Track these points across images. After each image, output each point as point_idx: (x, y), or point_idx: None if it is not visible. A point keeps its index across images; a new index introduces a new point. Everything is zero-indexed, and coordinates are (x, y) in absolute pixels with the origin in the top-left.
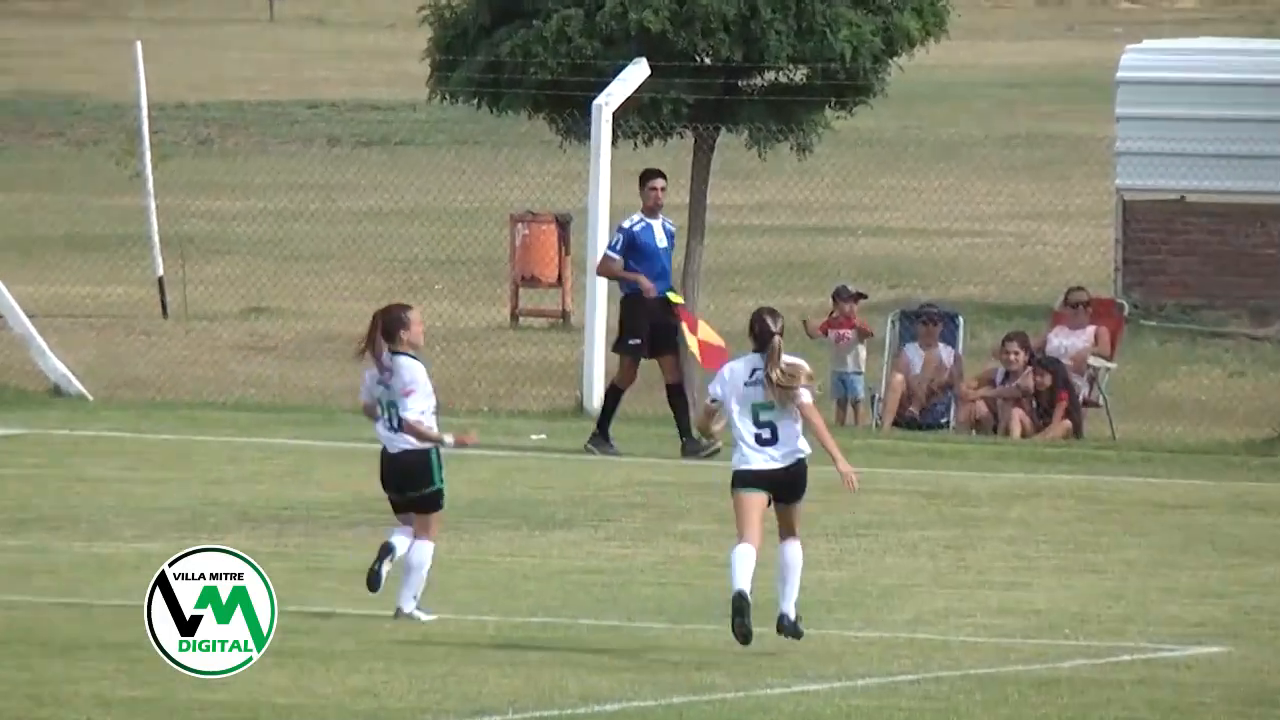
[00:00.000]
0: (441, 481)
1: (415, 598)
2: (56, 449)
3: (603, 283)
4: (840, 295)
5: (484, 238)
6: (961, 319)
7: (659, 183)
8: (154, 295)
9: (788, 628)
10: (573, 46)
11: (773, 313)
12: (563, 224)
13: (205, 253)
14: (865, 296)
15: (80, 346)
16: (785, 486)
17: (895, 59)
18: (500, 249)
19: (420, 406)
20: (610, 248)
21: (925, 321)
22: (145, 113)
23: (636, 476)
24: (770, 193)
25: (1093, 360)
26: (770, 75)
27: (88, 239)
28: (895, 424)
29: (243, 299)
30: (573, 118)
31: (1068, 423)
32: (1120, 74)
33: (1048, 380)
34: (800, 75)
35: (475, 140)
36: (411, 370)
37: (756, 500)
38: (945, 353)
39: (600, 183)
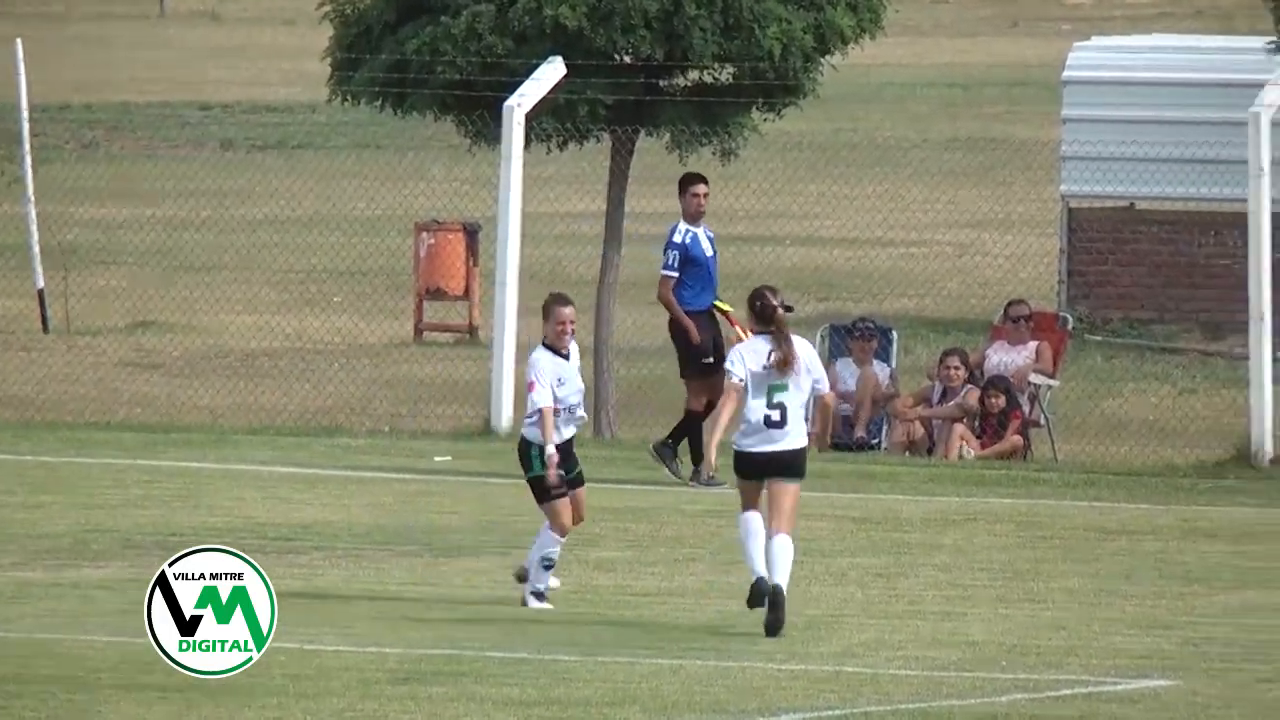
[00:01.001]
0: (535, 470)
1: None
2: None
3: (513, 295)
4: None
5: (387, 247)
6: (896, 334)
7: (702, 188)
8: (34, 309)
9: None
10: (483, 44)
11: (772, 290)
12: (471, 233)
13: (89, 263)
14: (792, 309)
15: None
16: (785, 466)
17: (827, 58)
18: (404, 259)
19: (538, 401)
20: (666, 267)
21: (859, 337)
22: (25, 114)
23: None
24: None
25: (1034, 378)
26: (694, 75)
27: None
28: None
29: (129, 313)
30: (482, 120)
31: (1018, 438)
32: (1067, 73)
33: (1002, 402)
34: (726, 75)
35: (378, 144)
36: (533, 366)
37: (756, 488)
38: (881, 370)
39: (511, 189)
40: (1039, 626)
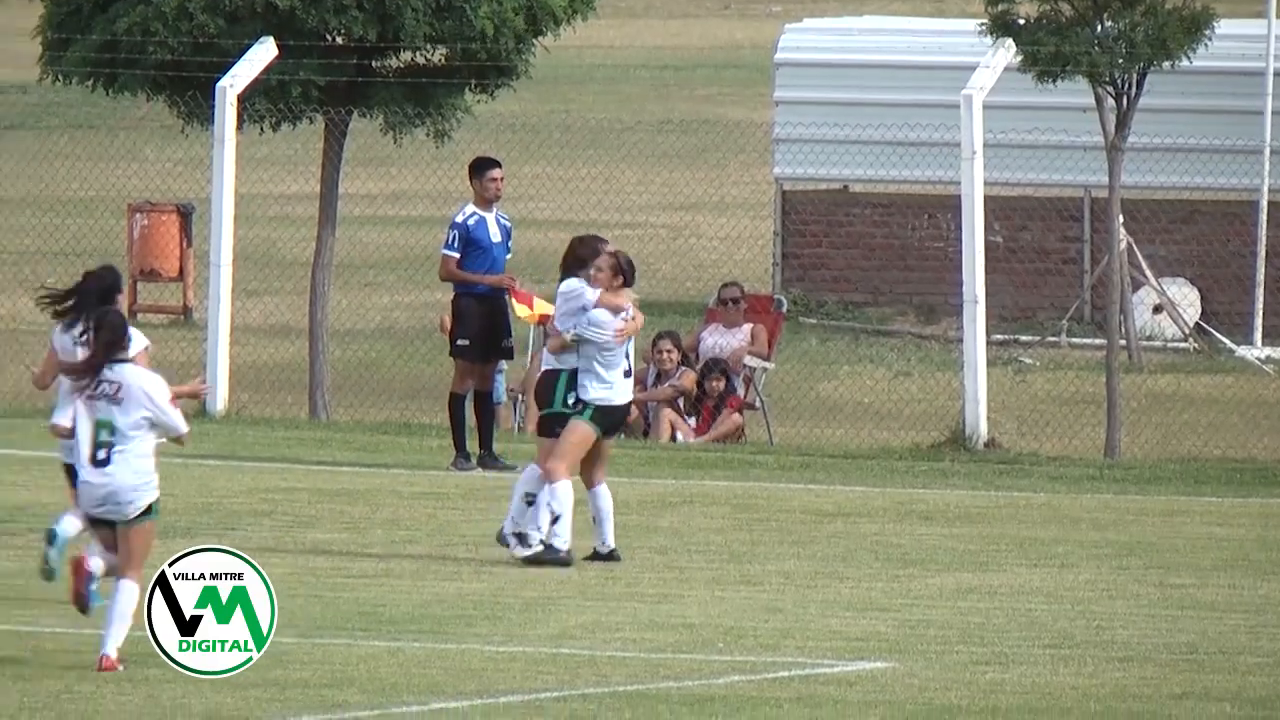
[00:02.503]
0: (555, 406)
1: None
2: None
3: (227, 277)
4: None
5: (100, 229)
6: None
7: (498, 173)
8: None
9: (615, 556)
10: (195, 24)
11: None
12: (184, 214)
13: None
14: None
15: None
16: (623, 421)
17: (540, 38)
18: (117, 241)
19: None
20: (447, 246)
21: None
22: None
23: (264, 483)
24: (406, 181)
25: (749, 360)
26: (406, 55)
27: None
28: None
29: None
30: (195, 100)
31: (738, 417)
32: (778, 55)
33: (722, 384)
34: (439, 55)
35: (90, 124)
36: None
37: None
38: None
39: (224, 170)
40: (756, 609)
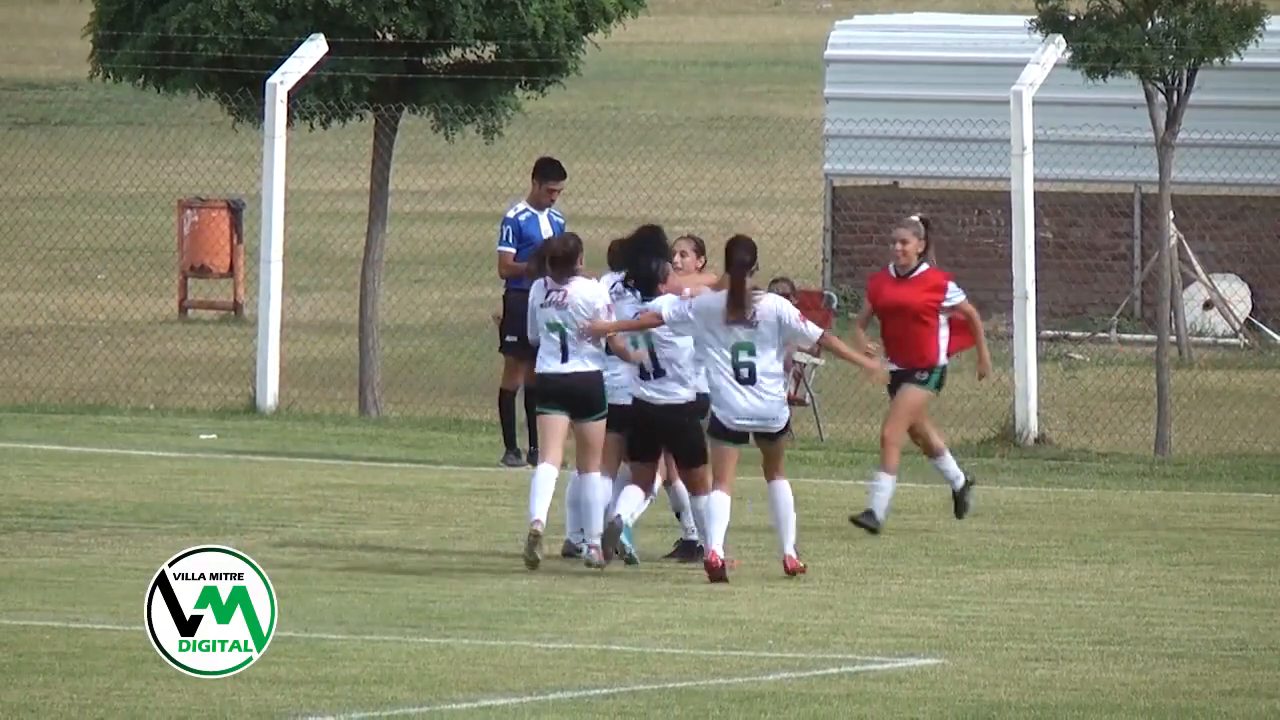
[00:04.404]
0: None
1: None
2: None
3: (277, 273)
4: None
5: (150, 225)
6: None
7: (559, 186)
8: None
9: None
10: (245, 21)
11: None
12: (235, 210)
13: None
14: None
15: None
16: None
17: (590, 35)
18: (168, 237)
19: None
20: (502, 243)
21: None
22: None
23: (314, 479)
24: (456, 178)
25: (799, 356)
26: (457, 52)
27: None
28: None
29: None
30: (245, 97)
31: None
32: (829, 52)
33: None
34: (489, 52)
35: (141, 121)
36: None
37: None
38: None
39: (275, 166)
40: (805, 605)
